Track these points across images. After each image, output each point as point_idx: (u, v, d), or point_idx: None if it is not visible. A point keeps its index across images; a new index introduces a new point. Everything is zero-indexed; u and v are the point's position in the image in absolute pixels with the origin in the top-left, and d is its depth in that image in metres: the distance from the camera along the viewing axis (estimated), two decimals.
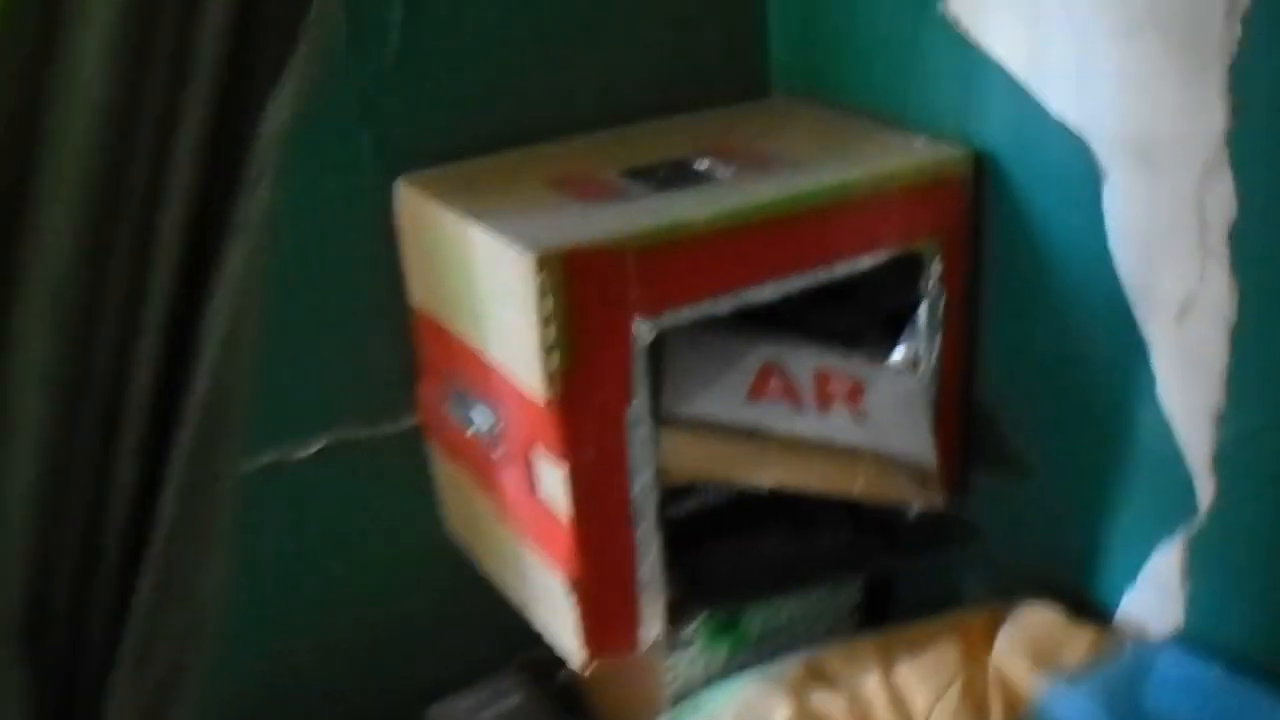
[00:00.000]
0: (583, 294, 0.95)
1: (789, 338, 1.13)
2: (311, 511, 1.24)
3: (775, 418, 1.06)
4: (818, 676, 1.15)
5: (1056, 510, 1.19)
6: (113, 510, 0.82)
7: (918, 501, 1.06)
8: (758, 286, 1.03)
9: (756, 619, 1.22)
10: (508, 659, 1.38)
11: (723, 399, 1.05)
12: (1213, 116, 0.95)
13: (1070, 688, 1.08)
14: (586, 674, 1.14)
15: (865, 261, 1.07)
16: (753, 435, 1.04)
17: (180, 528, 0.83)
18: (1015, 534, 1.22)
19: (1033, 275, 1.12)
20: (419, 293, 1.17)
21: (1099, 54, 1.01)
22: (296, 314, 1.15)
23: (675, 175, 1.10)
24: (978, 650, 1.15)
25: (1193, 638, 1.11)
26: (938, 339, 1.14)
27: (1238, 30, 0.91)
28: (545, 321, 0.94)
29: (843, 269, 1.06)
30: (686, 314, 1.01)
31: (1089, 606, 1.18)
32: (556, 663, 1.18)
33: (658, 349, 1.02)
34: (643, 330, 0.99)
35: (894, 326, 1.17)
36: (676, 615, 1.10)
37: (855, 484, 1.04)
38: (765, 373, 1.09)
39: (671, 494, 1.07)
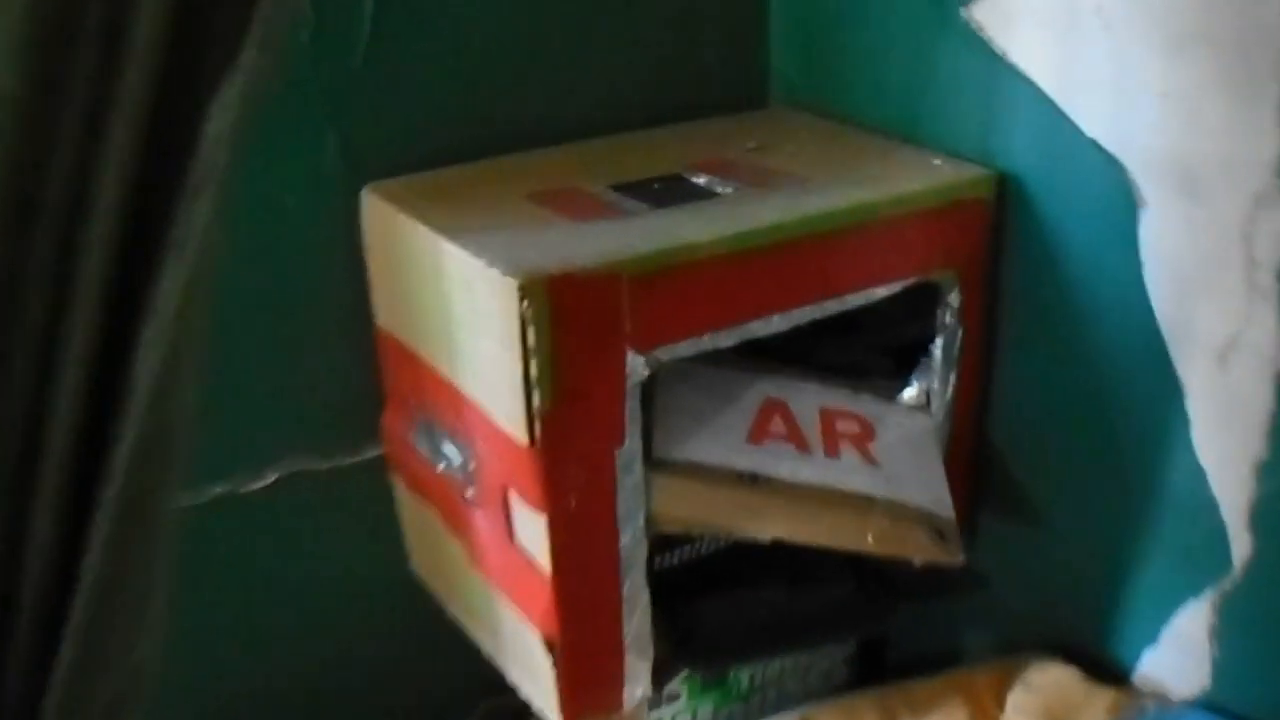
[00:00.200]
0: (571, 325, 0.83)
1: (790, 373, 1.01)
2: (264, 548, 1.11)
3: (778, 462, 0.93)
4: None
5: (1071, 561, 1.07)
6: (29, 571, 0.69)
7: (935, 557, 0.94)
8: (764, 319, 0.91)
9: (745, 672, 1.10)
10: (474, 705, 1.25)
11: (720, 441, 0.93)
12: (1265, 142, 0.83)
13: None
14: None
15: (879, 292, 0.95)
16: (754, 482, 0.92)
17: (109, 587, 0.70)
18: (1024, 584, 1.10)
19: (1057, 309, 1.00)
20: (385, 313, 1.03)
21: (1139, 69, 0.89)
22: (248, 335, 1.02)
23: (670, 191, 0.98)
24: (986, 712, 1.04)
25: (1219, 703, 1.00)
26: (952, 376, 1.02)
27: None
28: (529, 355, 0.82)
29: (855, 300, 0.94)
30: (685, 348, 0.88)
31: (1103, 665, 1.06)
32: (525, 710, 1.05)
33: (648, 386, 0.89)
34: (637, 366, 0.86)
35: (901, 360, 1.05)
36: (663, 673, 0.98)
37: (867, 538, 0.92)
38: (766, 412, 0.96)
39: (660, 543, 0.95)
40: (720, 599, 0.99)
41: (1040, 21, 0.95)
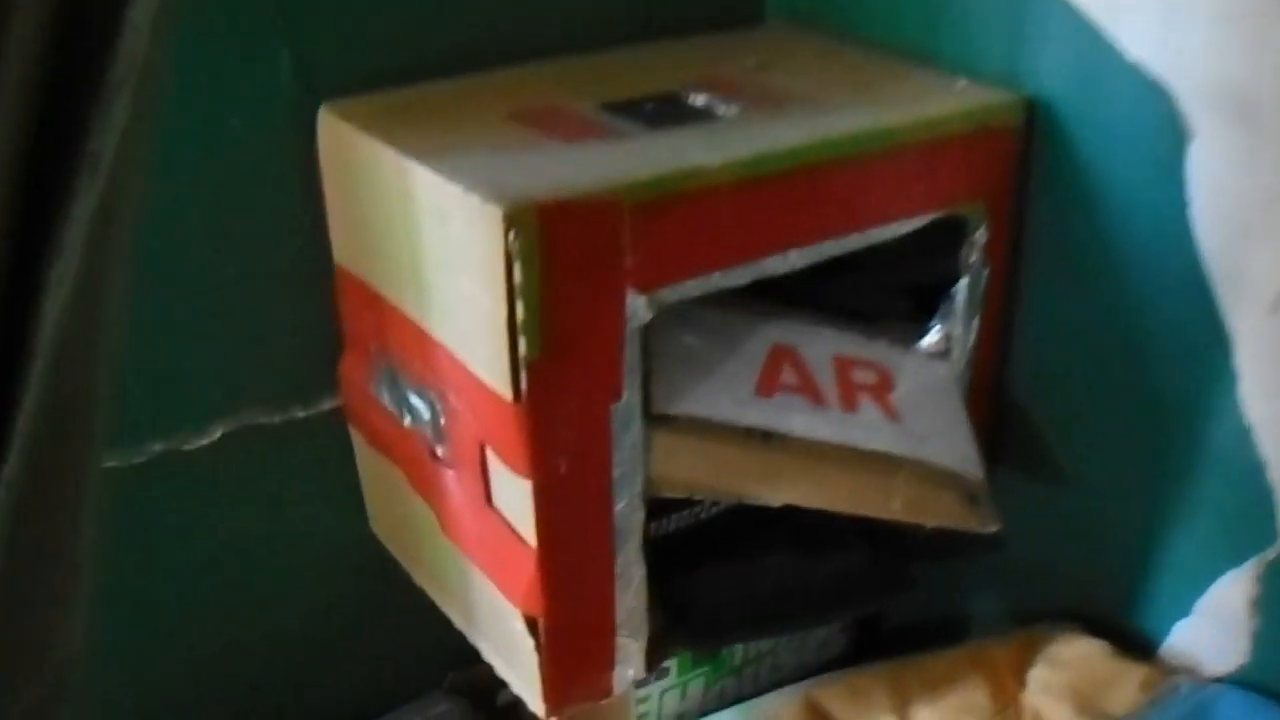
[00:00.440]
0: (565, 260, 0.69)
1: (798, 317, 0.88)
2: (210, 510, 0.97)
3: (791, 417, 0.80)
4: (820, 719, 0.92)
5: (1097, 524, 0.95)
6: None
7: (966, 524, 0.82)
8: (780, 255, 0.77)
9: None
10: (441, 677, 1.12)
11: (726, 394, 0.80)
12: None
13: None
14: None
15: (904, 226, 0.82)
16: (765, 440, 0.79)
17: (13, 586, 0.56)
18: (1041, 547, 0.98)
19: (1090, 249, 0.87)
20: (344, 249, 0.89)
21: None
22: (187, 274, 0.88)
23: (666, 111, 0.83)
24: (1007, 689, 0.92)
25: (1258, 679, 0.88)
26: (976, 321, 0.90)
27: None
28: (514, 296, 0.68)
29: (880, 235, 0.81)
30: (692, 288, 0.75)
31: (1127, 636, 0.95)
32: (498, 682, 0.92)
33: (645, 332, 0.76)
34: (638, 308, 0.72)
35: (916, 303, 0.93)
36: (658, 652, 0.85)
37: (892, 502, 0.79)
38: (775, 360, 0.83)
39: (656, 507, 0.81)
40: (719, 568, 0.86)
41: None
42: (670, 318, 0.78)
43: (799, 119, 0.81)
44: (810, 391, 0.82)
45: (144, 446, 0.91)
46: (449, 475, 0.83)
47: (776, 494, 0.78)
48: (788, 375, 0.82)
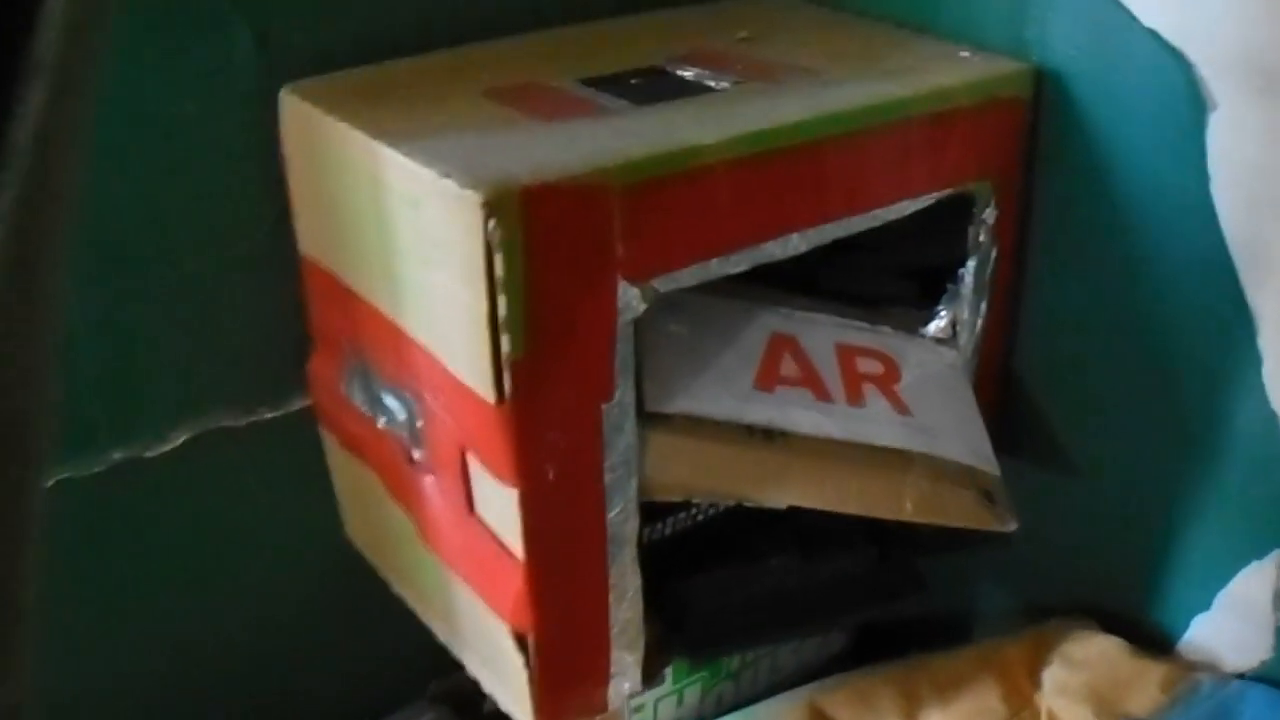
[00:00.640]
0: (551, 250, 0.62)
1: (795, 303, 0.81)
2: (175, 520, 0.89)
3: (795, 413, 0.73)
4: None
5: (1111, 515, 0.88)
6: None
7: (983, 524, 0.75)
8: (781, 239, 0.70)
9: None
10: (424, 684, 1.05)
11: (725, 389, 0.72)
12: None
13: None
14: None
15: (910, 206, 0.75)
16: (768, 438, 0.72)
17: None
18: (1051, 540, 0.91)
19: (1103, 227, 0.80)
20: (310, 239, 0.81)
21: None
22: (143, 271, 0.80)
23: (653, 86, 0.76)
24: (1021, 690, 0.86)
25: None
26: (983, 304, 0.83)
27: None
28: (496, 290, 0.60)
29: (886, 216, 0.74)
30: (688, 276, 0.67)
31: (1142, 631, 0.88)
32: (477, 692, 0.85)
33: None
34: (630, 299, 0.65)
35: (918, 287, 0.86)
36: (655, 663, 0.78)
37: (905, 504, 0.72)
38: (774, 351, 0.76)
39: (650, 511, 0.74)
40: (717, 572, 0.79)
41: None
42: (660, 306, 0.71)
43: (798, 92, 0.73)
44: (813, 384, 0.75)
45: (102, 455, 0.84)
46: (427, 481, 0.76)
47: (781, 496, 0.71)
48: (788, 367, 0.75)
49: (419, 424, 0.74)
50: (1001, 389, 0.89)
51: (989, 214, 0.79)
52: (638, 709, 0.89)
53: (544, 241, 0.61)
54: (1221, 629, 0.85)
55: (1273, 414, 0.76)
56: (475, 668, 0.81)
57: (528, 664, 0.72)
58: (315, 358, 0.86)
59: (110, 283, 0.79)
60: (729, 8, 0.94)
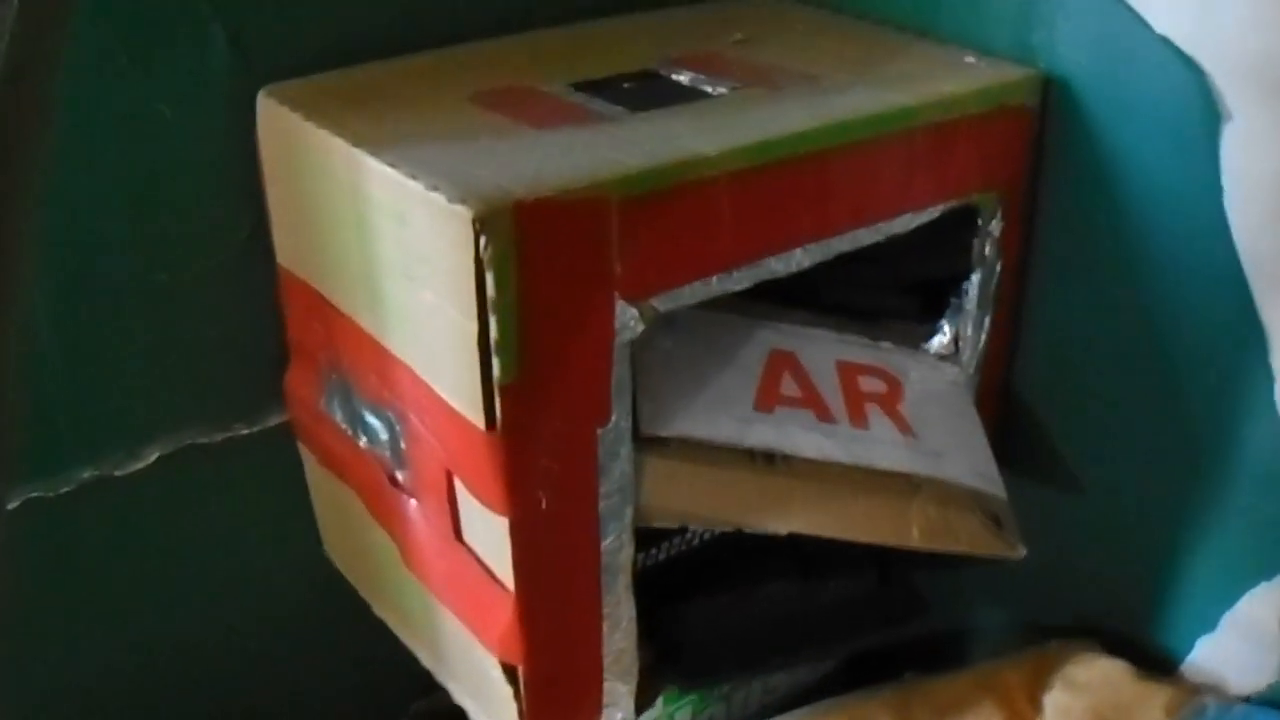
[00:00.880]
0: (545, 268, 0.57)
1: (793, 318, 0.77)
2: (147, 541, 0.84)
3: (797, 436, 0.68)
4: None
5: (1114, 533, 0.84)
6: None
7: (991, 550, 0.71)
8: (784, 254, 0.66)
9: None
10: (405, 705, 1.01)
11: (723, 410, 0.68)
12: None
13: None
14: None
15: (916, 219, 0.70)
16: (769, 463, 0.68)
17: None
18: (1055, 558, 0.86)
19: (1110, 240, 0.76)
20: (288, 250, 0.76)
21: None
22: (114, 281, 0.75)
23: (647, 92, 0.71)
24: (1021, 715, 0.81)
25: None
26: (987, 319, 0.78)
27: None
28: (487, 311, 0.56)
29: (892, 229, 0.69)
30: (688, 294, 0.63)
31: (1145, 652, 0.85)
32: (462, 713, 0.81)
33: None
34: (628, 320, 0.60)
35: (920, 301, 0.82)
36: (648, 692, 0.74)
37: (912, 530, 0.68)
38: (773, 369, 0.72)
39: (644, 537, 0.70)
40: (713, 598, 0.75)
41: None
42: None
43: (799, 99, 0.69)
44: (815, 404, 0.70)
45: (70, 474, 0.78)
46: (411, 504, 0.71)
47: (783, 523, 0.67)
48: (788, 386, 0.71)
49: (402, 445, 0.70)
50: (1002, 405, 0.85)
51: (995, 226, 0.75)
52: None
53: (539, 259, 0.56)
54: (1227, 651, 0.81)
55: None
56: (461, 696, 0.76)
57: (517, 696, 0.67)
58: (293, 372, 0.81)
59: (78, 293, 0.74)
60: (721, 8, 0.89)
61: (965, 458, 0.73)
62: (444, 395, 0.62)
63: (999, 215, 0.75)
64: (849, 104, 0.68)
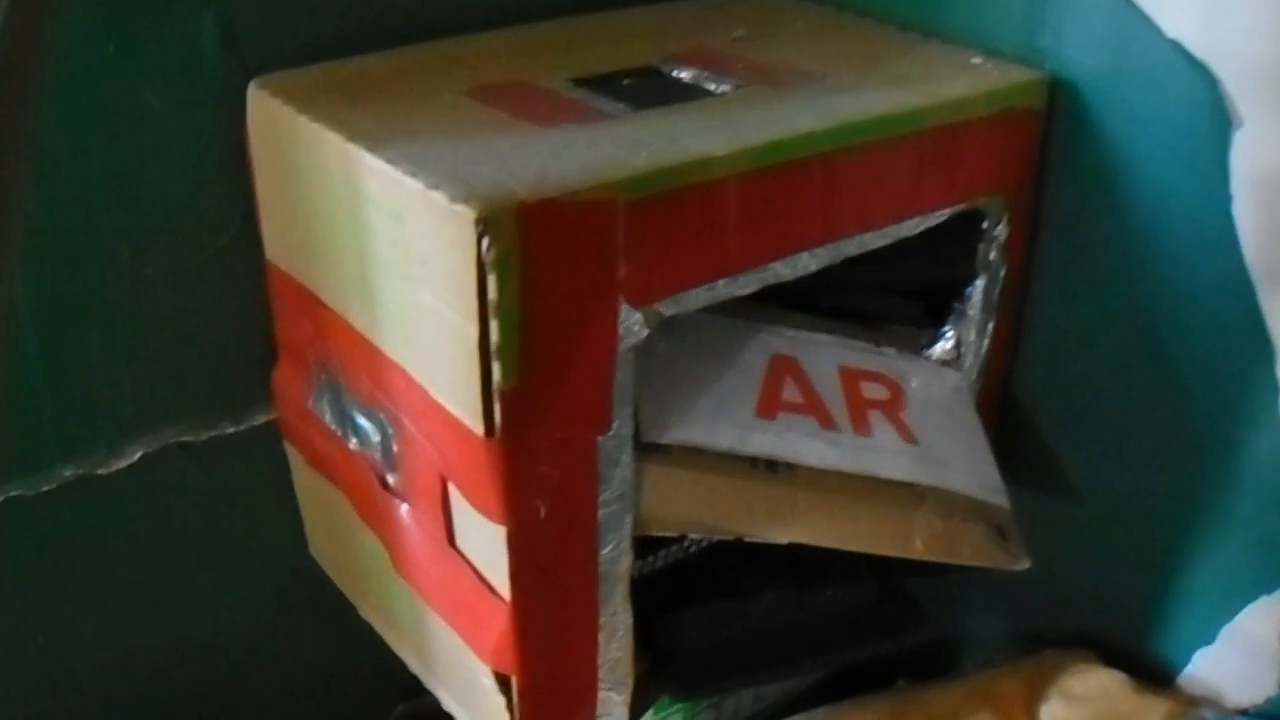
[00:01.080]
0: (550, 271, 0.55)
1: (794, 322, 0.75)
2: (131, 539, 0.82)
3: (800, 444, 0.66)
4: None
5: (1112, 543, 0.82)
6: None
7: (995, 562, 0.69)
8: (789, 259, 0.63)
9: None
10: (390, 708, 0.98)
11: (725, 417, 0.66)
12: None
13: None
14: None
15: (923, 223, 0.68)
16: (772, 471, 0.66)
17: None
18: (1052, 567, 0.84)
19: (1115, 247, 0.74)
20: (277, 246, 0.74)
21: None
22: (99, 275, 0.73)
23: (649, 89, 0.69)
24: None
25: None
26: (990, 325, 0.77)
27: None
28: (489, 315, 0.54)
29: (900, 233, 0.67)
30: (693, 299, 0.61)
31: (1140, 663, 0.83)
32: (448, 717, 0.78)
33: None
34: (633, 324, 0.58)
35: (923, 306, 0.80)
36: (641, 701, 0.72)
37: (915, 541, 0.66)
38: (775, 375, 0.69)
39: (642, 545, 0.67)
40: (709, 606, 0.72)
41: None
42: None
43: (807, 99, 0.67)
44: (817, 411, 0.68)
45: (52, 471, 0.76)
46: (402, 508, 0.69)
47: (785, 533, 0.65)
48: (790, 392, 0.69)
49: (394, 448, 0.67)
50: (1002, 412, 0.83)
51: (1001, 230, 0.73)
52: None
53: (542, 261, 0.54)
54: (1225, 664, 0.80)
55: None
56: (449, 703, 0.74)
57: (510, 706, 0.65)
58: (280, 370, 0.79)
59: (62, 287, 0.72)
60: (721, 4, 0.87)
61: (969, 467, 0.71)
62: (440, 399, 0.60)
63: (1005, 220, 0.73)
64: (857, 104, 0.66)
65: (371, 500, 0.72)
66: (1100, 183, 0.74)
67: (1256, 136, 0.67)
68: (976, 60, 0.75)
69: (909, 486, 0.68)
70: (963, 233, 0.73)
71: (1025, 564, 0.70)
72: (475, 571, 0.64)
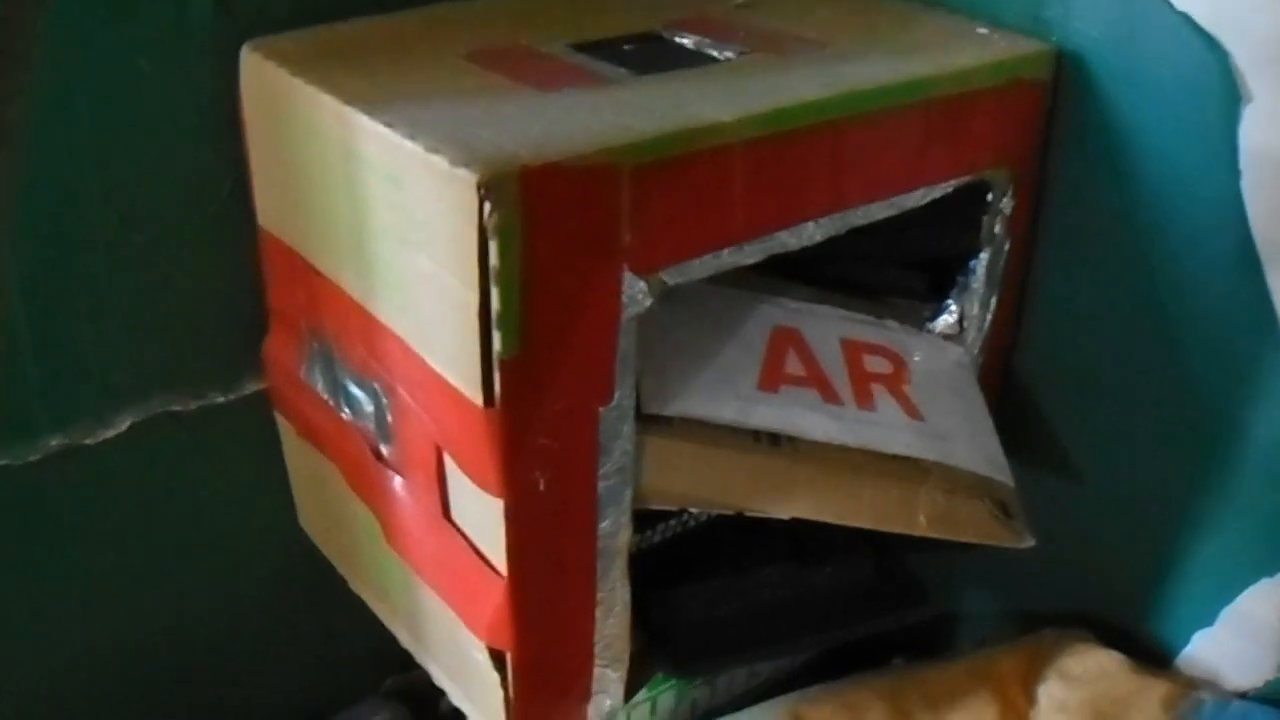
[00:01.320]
0: (552, 237, 0.53)
1: (797, 293, 0.73)
2: (120, 510, 0.80)
3: (803, 417, 0.65)
4: None
5: (1112, 523, 0.82)
6: None
7: (999, 540, 0.68)
8: (794, 227, 0.62)
9: None
10: (379, 680, 0.97)
11: (727, 389, 0.65)
12: None
13: None
14: None
15: (929, 194, 0.67)
16: (774, 444, 0.64)
17: None
18: (1049, 545, 0.82)
19: (1120, 222, 0.73)
20: (270, 212, 0.72)
21: None
22: (88, 241, 0.71)
23: (650, 54, 0.68)
24: (1016, 706, 0.79)
25: None
26: (994, 299, 0.75)
27: None
28: (489, 282, 0.52)
29: (906, 203, 0.66)
30: (698, 268, 0.59)
31: (1138, 644, 0.82)
32: (437, 691, 0.77)
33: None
34: (636, 293, 0.57)
35: (924, 278, 0.79)
36: (637, 678, 0.71)
37: (919, 517, 0.65)
38: (777, 346, 0.68)
39: (640, 519, 0.66)
40: (706, 582, 0.71)
41: None
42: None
43: (812, 67, 0.65)
44: (820, 384, 0.67)
45: (39, 441, 0.74)
46: (396, 480, 0.68)
47: (787, 507, 0.64)
48: (793, 364, 0.68)
49: (389, 418, 0.66)
50: (1004, 387, 0.82)
51: (1006, 203, 0.72)
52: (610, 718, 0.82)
53: (545, 228, 0.52)
54: (1224, 646, 0.79)
55: None
56: (441, 678, 0.73)
57: (504, 683, 0.64)
58: (272, 338, 0.77)
59: (48, 253, 0.70)
60: None
61: (973, 443, 0.70)
62: (438, 368, 0.58)
63: (1010, 192, 0.72)
64: (864, 73, 0.65)
65: (364, 472, 0.71)
66: (1106, 157, 0.73)
67: (1266, 112, 0.66)
68: (982, 31, 0.73)
69: (912, 462, 0.67)
70: (967, 205, 0.72)
71: (1029, 542, 0.69)
72: (471, 545, 0.63)
